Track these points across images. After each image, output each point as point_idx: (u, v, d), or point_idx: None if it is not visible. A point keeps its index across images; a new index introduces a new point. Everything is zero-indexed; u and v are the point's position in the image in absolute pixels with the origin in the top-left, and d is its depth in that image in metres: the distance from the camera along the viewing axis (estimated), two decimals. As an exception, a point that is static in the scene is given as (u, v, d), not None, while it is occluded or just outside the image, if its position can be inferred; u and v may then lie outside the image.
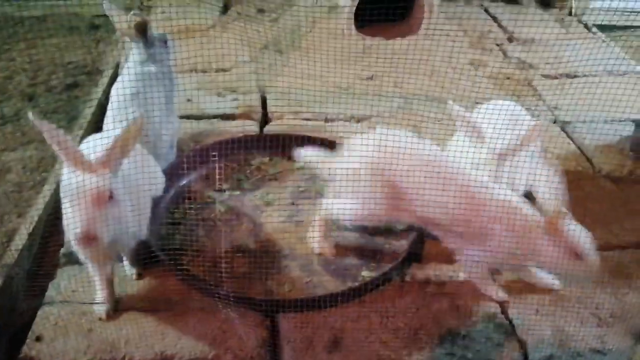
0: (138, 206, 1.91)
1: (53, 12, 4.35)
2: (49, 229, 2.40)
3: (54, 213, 2.44)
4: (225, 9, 4.28)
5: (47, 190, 2.54)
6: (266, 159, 2.69)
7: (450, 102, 2.22)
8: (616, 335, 1.97)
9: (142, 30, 2.41)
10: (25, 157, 2.92)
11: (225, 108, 3.07)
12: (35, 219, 2.37)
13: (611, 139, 3.01)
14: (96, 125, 2.98)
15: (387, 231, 2.33)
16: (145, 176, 1.92)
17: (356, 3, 3.62)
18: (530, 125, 2.14)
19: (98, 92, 3.31)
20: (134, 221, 1.88)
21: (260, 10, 4.25)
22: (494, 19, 4.33)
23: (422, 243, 2.26)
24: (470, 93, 3.22)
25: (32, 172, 2.84)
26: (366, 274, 2.12)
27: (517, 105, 2.44)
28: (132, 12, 2.41)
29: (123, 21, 2.41)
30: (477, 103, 3.02)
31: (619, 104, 3.09)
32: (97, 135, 2.06)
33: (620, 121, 3.09)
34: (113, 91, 2.46)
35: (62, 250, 2.19)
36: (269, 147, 2.68)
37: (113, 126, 2.38)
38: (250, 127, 2.94)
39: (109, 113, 2.43)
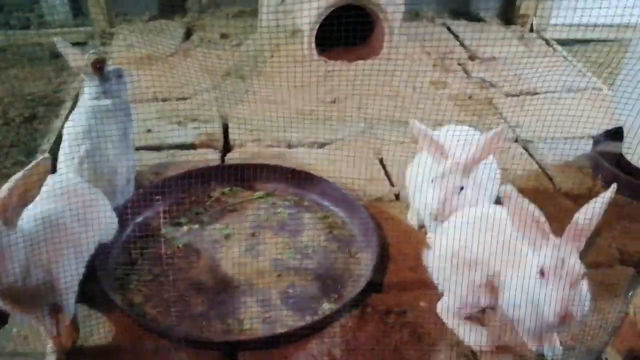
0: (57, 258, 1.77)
1: (12, 43, 4.29)
2: None
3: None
4: (187, 35, 4.26)
5: None
6: (226, 190, 2.66)
7: (413, 120, 2.21)
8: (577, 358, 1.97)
9: (98, 67, 2.37)
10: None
11: (186, 137, 3.04)
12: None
13: (571, 157, 3.04)
14: (54, 159, 2.93)
15: (347, 258, 2.32)
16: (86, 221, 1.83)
17: (317, 27, 3.63)
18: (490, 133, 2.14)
19: (57, 124, 3.25)
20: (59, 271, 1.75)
21: (224, 36, 4.24)
22: (456, 37, 4.37)
23: (384, 271, 2.24)
24: (432, 114, 3.24)
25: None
26: (327, 306, 2.10)
27: (473, 129, 2.45)
28: (90, 52, 2.37)
29: (79, 59, 2.37)
30: (439, 125, 3.05)
31: (578, 120, 3.13)
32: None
33: (580, 138, 3.13)
34: (66, 128, 2.41)
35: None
36: (229, 177, 2.66)
37: (65, 164, 2.34)
38: (212, 157, 2.91)
39: (61, 151, 2.39)
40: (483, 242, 1.85)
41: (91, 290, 2.11)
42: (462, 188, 2.15)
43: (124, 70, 2.55)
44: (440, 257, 1.99)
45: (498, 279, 1.85)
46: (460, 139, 2.13)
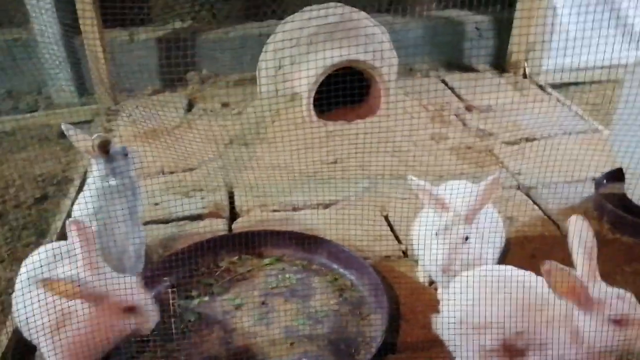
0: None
1: (21, 126, 4.42)
2: (17, 356, 2.34)
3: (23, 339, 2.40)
4: (190, 106, 4.38)
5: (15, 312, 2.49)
6: (235, 258, 2.68)
7: (411, 176, 2.25)
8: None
9: (104, 149, 2.45)
10: (-8, 279, 2.89)
11: (193, 208, 3.09)
12: (2, 348, 2.31)
13: (574, 200, 3.06)
14: (65, 238, 2.97)
15: (359, 320, 2.31)
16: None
17: (315, 90, 3.73)
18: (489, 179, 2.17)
19: (67, 204, 3.31)
20: None
21: (225, 104, 4.36)
22: (452, 89, 4.47)
23: (397, 331, 2.23)
24: (433, 168, 3.29)
25: (1, 294, 2.80)
26: (342, 372, 2.08)
27: (471, 183, 2.49)
28: (95, 135, 2.45)
29: (85, 142, 2.45)
30: (441, 177, 3.09)
31: (579, 163, 3.16)
32: None
33: (582, 181, 3.15)
34: (75, 210, 2.47)
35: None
36: (237, 245, 2.68)
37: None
38: (219, 226, 2.95)
39: (72, 232, 2.43)
40: (497, 304, 1.84)
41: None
42: (467, 238, 2.16)
43: (129, 149, 2.62)
44: (448, 324, 1.98)
45: (523, 339, 1.84)
46: (460, 191, 2.17)
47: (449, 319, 1.96)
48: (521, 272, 1.97)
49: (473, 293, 1.90)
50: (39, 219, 3.38)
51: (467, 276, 2.01)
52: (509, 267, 2.02)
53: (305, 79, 3.63)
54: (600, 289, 1.73)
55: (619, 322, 1.69)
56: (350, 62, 3.66)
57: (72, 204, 3.26)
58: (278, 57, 3.84)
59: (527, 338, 1.82)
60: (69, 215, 3.17)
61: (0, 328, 2.45)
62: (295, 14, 3.95)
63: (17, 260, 3.06)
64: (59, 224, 3.12)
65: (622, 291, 1.73)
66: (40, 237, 3.16)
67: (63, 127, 2.49)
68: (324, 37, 3.70)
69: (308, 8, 3.88)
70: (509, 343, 1.85)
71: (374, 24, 3.94)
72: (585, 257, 1.74)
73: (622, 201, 2.86)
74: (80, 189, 3.38)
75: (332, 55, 3.57)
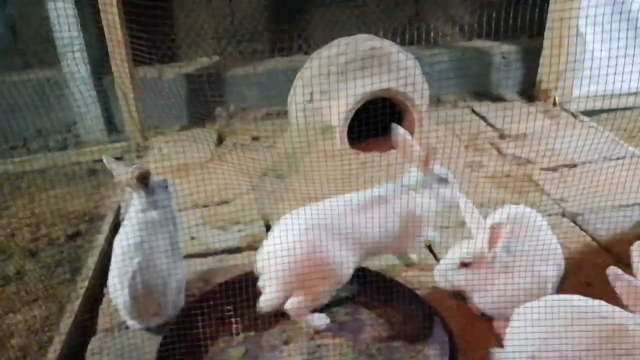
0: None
1: (54, 164, 4.44)
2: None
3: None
4: (220, 140, 4.37)
5: (52, 353, 2.43)
6: (278, 292, 2.60)
7: (463, 200, 2.22)
8: None
9: (143, 181, 2.41)
10: (29, 318, 2.83)
11: (231, 241, 3.03)
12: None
13: (623, 226, 2.96)
14: (101, 274, 2.92)
15: (414, 355, 2.21)
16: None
17: (348, 121, 3.71)
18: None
19: (100, 239, 3.27)
20: None
21: (255, 138, 4.35)
22: (483, 118, 4.43)
23: (453, 363, 2.13)
24: (473, 196, 3.21)
25: (37, 333, 2.74)
26: (399, 409, 1.97)
27: (526, 207, 2.43)
28: (134, 166, 2.43)
29: (125, 173, 2.42)
30: (482, 204, 3.01)
31: (623, 189, 3.08)
32: None
33: (629, 206, 3.07)
34: (116, 242, 2.42)
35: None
36: (279, 278, 2.60)
37: (118, 279, 2.33)
38: (258, 259, 2.87)
39: (113, 266, 2.38)
40: (572, 337, 1.75)
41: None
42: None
43: (169, 180, 2.59)
44: (515, 359, 1.88)
45: None
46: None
47: (518, 355, 1.86)
48: (593, 301, 1.88)
49: (544, 326, 1.80)
50: (73, 255, 3.34)
51: (535, 307, 1.92)
52: (578, 296, 1.93)
53: (338, 109, 3.61)
54: None
55: None
56: (384, 91, 3.64)
57: (106, 240, 3.24)
58: (310, 88, 3.83)
59: None
60: (103, 252, 3.13)
61: (40, 366, 2.39)
62: (325, 46, 3.96)
63: (51, 297, 3.01)
64: (94, 259, 3.07)
65: None
66: (75, 273, 3.11)
67: (104, 159, 2.47)
68: (356, 68, 3.70)
69: (339, 40, 3.90)
70: None
71: (404, 53, 3.93)
72: None
73: (675, 226, 2.77)
74: (114, 226, 3.35)
75: (365, 86, 3.55)
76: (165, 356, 2.15)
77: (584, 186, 3.23)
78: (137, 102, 4.34)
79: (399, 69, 3.79)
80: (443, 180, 2.59)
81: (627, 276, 1.65)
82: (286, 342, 2.30)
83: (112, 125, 4.76)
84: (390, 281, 2.51)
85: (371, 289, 2.53)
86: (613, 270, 1.67)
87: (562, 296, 2.01)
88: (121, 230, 2.48)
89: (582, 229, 2.97)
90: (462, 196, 2.27)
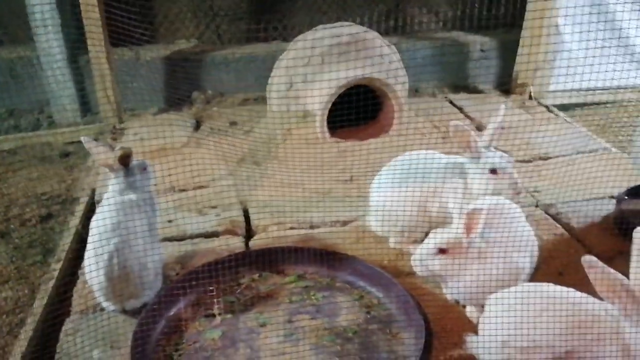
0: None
1: (24, 144, 4.34)
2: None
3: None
4: (197, 125, 4.33)
5: (24, 334, 2.39)
6: (256, 276, 2.60)
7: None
8: None
9: (125, 161, 2.38)
10: (0, 299, 2.78)
11: (208, 226, 3.01)
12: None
13: (595, 218, 3.03)
14: (74, 256, 2.88)
15: (389, 339, 2.23)
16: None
17: (328, 108, 3.71)
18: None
19: (74, 222, 3.22)
20: None
21: (233, 123, 4.32)
22: (460, 109, 4.47)
23: (429, 349, 2.16)
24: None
25: (8, 314, 2.69)
26: (375, 392, 2.00)
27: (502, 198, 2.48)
28: (117, 147, 2.39)
29: (106, 155, 2.38)
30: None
31: (595, 181, 3.15)
32: None
33: (599, 198, 3.14)
34: (93, 223, 2.38)
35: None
36: (257, 263, 2.61)
37: (95, 260, 2.30)
38: (235, 243, 2.87)
39: (89, 246, 2.34)
40: (544, 324, 1.79)
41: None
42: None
43: (147, 163, 2.56)
44: (489, 346, 1.92)
45: (573, 358, 1.78)
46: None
47: (491, 341, 1.90)
48: (564, 289, 1.93)
49: (517, 313, 1.84)
50: (45, 237, 3.29)
51: (508, 295, 1.96)
52: (549, 284, 1.98)
53: (318, 96, 3.61)
54: None
55: None
56: (364, 79, 3.65)
57: (80, 222, 3.19)
58: (289, 74, 3.81)
59: (577, 357, 1.76)
60: (77, 234, 3.09)
61: (10, 350, 2.35)
62: (307, 32, 3.95)
63: (23, 279, 2.96)
64: (67, 242, 3.02)
65: None
66: (47, 255, 3.07)
67: (83, 139, 2.42)
68: (337, 55, 3.69)
69: (320, 27, 3.89)
70: None
71: (385, 43, 3.94)
72: None
73: (645, 218, 2.84)
74: (88, 209, 3.30)
75: (347, 73, 3.55)
76: (142, 339, 2.14)
77: (557, 178, 3.29)
78: (113, 84, 4.27)
79: (380, 57, 3.79)
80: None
81: (600, 264, 1.69)
82: (263, 325, 2.30)
83: (86, 106, 4.68)
84: (367, 266, 2.53)
85: (347, 273, 2.55)
86: (588, 259, 1.71)
87: (534, 284, 2.06)
88: (98, 211, 2.44)
89: (554, 220, 3.03)
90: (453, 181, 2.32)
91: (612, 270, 1.67)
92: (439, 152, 2.85)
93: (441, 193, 2.64)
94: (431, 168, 2.69)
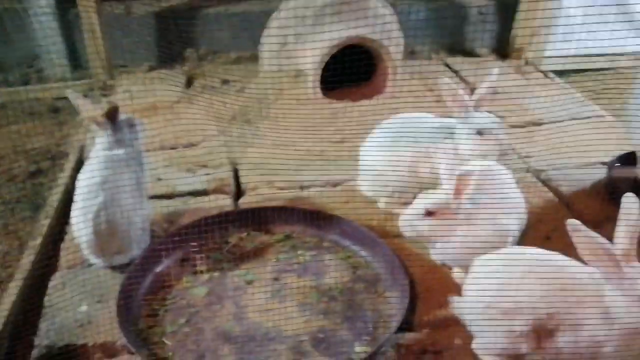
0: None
1: (12, 99, 4.27)
2: (18, 328, 2.25)
3: (22, 312, 2.31)
4: (189, 83, 4.27)
5: (13, 289, 2.40)
6: (244, 234, 2.61)
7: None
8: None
9: (112, 117, 2.35)
10: (-12, 253, 2.78)
11: (197, 184, 3.00)
12: (2, 320, 2.21)
13: (585, 184, 3.03)
14: (63, 212, 2.87)
15: (374, 298, 2.26)
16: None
17: (321, 68, 3.65)
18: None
19: (63, 178, 3.20)
20: None
21: (225, 82, 4.26)
22: (456, 72, 4.42)
23: (413, 309, 2.18)
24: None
25: (-4, 268, 2.70)
26: (360, 349, 2.02)
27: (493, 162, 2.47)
28: (104, 100, 2.35)
29: (92, 110, 2.35)
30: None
31: (587, 148, 3.14)
32: None
33: (591, 164, 3.14)
34: (80, 179, 2.37)
35: (34, 353, 2.04)
36: (246, 221, 2.61)
37: (82, 215, 2.29)
38: (224, 202, 2.86)
39: (76, 202, 2.33)
40: (527, 287, 1.80)
41: (114, 344, 2.04)
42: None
43: (136, 119, 2.52)
44: (473, 308, 1.93)
45: (554, 320, 1.80)
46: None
47: (474, 303, 1.92)
48: (548, 252, 1.94)
49: (501, 276, 1.85)
50: (34, 193, 3.27)
51: (494, 258, 1.96)
52: (534, 248, 1.99)
53: (311, 56, 3.55)
54: (634, 267, 1.70)
55: None
56: (358, 39, 3.59)
57: (69, 178, 3.17)
58: (283, 33, 3.74)
59: (558, 319, 1.78)
60: (66, 190, 3.07)
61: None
62: (301, -10, 3.86)
63: (11, 234, 2.95)
64: (56, 197, 3.01)
65: None
66: (36, 211, 3.05)
67: (69, 94, 2.38)
68: (331, 13, 3.62)
69: (315, -16, 3.80)
70: (539, 325, 1.81)
71: (380, 3, 3.86)
72: (626, 233, 1.70)
73: (634, 184, 2.84)
74: (77, 165, 3.28)
75: (340, 32, 3.49)
76: (128, 294, 2.15)
77: (549, 144, 3.28)
78: (103, 39, 4.18)
79: (375, 18, 3.72)
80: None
81: (584, 228, 1.70)
82: (250, 283, 2.32)
83: (76, 61, 4.59)
84: (355, 227, 2.53)
85: (335, 233, 2.56)
86: (572, 222, 1.71)
87: (519, 248, 2.07)
88: (86, 166, 2.42)
89: (545, 185, 3.03)
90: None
91: (595, 234, 1.68)
92: (431, 114, 2.81)
93: (432, 155, 2.62)
94: (422, 130, 2.66)
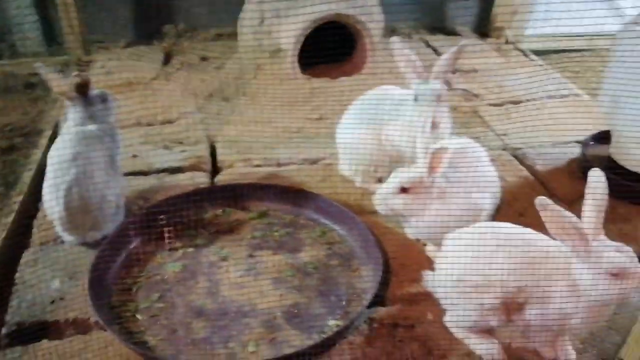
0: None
1: (-15, 74, 4.19)
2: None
3: None
4: (167, 59, 4.21)
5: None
6: (219, 211, 2.60)
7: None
8: (588, 362, 1.95)
9: (83, 91, 2.30)
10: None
11: (173, 161, 2.97)
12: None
13: (560, 162, 3.06)
14: (37, 189, 2.83)
15: (349, 273, 2.27)
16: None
17: (300, 45, 3.62)
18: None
19: (37, 154, 3.15)
20: None
21: (204, 58, 4.21)
22: (435, 51, 4.41)
23: (386, 284, 2.20)
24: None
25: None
26: (333, 323, 2.04)
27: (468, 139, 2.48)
28: (73, 74, 2.31)
29: (61, 84, 2.30)
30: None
31: (563, 126, 3.17)
32: None
33: (566, 143, 3.17)
34: (52, 153, 2.33)
35: (4, 330, 2.02)
36: (221, 198, 2.60)
37: (54, 190, 2.26)
38: (201, 179, 2.84)
39: (48, 176, 2.30)
40: (498, 262, 1.82)
41: (86, 320, 2.03)
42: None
43: (108, 93, 2.48)
44: (445, 282, 1.95)
45: (523, 293, 1.82)
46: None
47: (446, 277, 1.93)
48: (518, 227, 1.95)
49: (472, 251, 1.87)
50: (7, 170, 3.21)
51: (465, 233, 1.98)
52: (506, 223, 2.00)
53: (290, 32, 3.51)
54: (601, 241, 1.72)
55: (617, 275, 1.69)
56: (337, 15, 3.55)
57: (43, 155, 3.12)
58: (261, 9, 3.69)
59: (528, 292, 1.81)
60: (40, 167, 3.02)
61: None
62: (280, -35, 3.80)
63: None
64: (30, 174, 2.96)
65: (622, 245, 1.72)
66: (9, 188, 3.00)
67: (38, 67, 2.33)
68: (310, -11, 3.57)
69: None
70: (509, 298, 1.84)
71: (360, -21, 3.82)
72: (593, 208, 1.72)
73: (608, 163, 2.87)
74: (51, 140, 3.23)
75: (319, 8, 3.45)
76: (100, 270, 2.14)
77: (526, 122, 3.30)
78: (78, 13, 4.10)
79: (355, -6, 3.69)
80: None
81: (553, 205, 1.71)
82: (224, 259, 2.32)
83: (51, 36, 4.49)
84: (330, 203, 2.54)
85: (311, 210, 2.56)
86: (541, 200, 1.73)
87: (491, 223, 2.08)
88: (57, 141, 2.39)
89: (521, 163, 3.06)
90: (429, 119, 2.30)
91: (562, 210, 1.69)
92: (398, 87, 2.76)
93: (394, 128, 2.58)
94: (387, 104, 2.63)
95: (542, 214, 1.73)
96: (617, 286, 1.70)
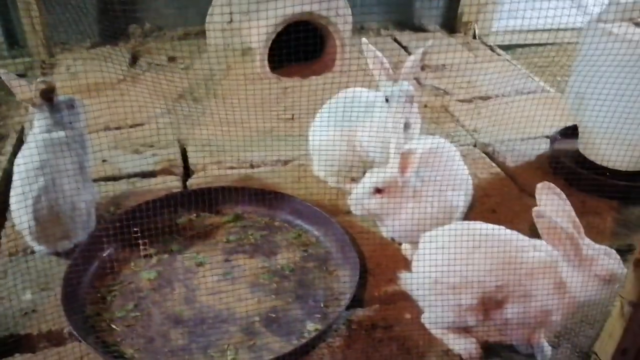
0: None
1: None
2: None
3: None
4: (133, 60, 4.14)
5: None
6: (193, 216, 2.57)
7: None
8: (563, 356, 1.99)
9: (48, 97, 2.25)
10: None
11: (144, 165, 2.93)
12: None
13: (529, 157, 3.12)
14: (3, 197, 2.76)
15: (325, 276, 2.27)
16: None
17: (269, 45, 3.60)
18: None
19: (2, 161, 3.07)
20: None
21: (171, 59, 4.15)
22: (404, 48, 4.43)
23: (363, 285, 2.21)
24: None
25: None
26: (311, 326, 2.04)
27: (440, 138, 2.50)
28: (37, 80, 2.24)
29: (26, 90, 2.24)
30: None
31: (532, 121, 3.23)
32: None
33: (535, 138, 3.22)
34: (18, 161, 2.27)
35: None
36: (195, 203, 2.57)
37: (22, 201, 2.20)
38: (173, 183, 2.81)
39: (13, 190, 2.24)
40: (475, 262, 1.84)
41: (60, 332, 1.99)
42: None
43: (76, 99, 2.43)
44: (422, 283, 1.97)
45: (502, 291, 1.85)
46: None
47: (423, 278, 1.95)
48: (494, 226, 1.98)
49: (449, 252, 1.89)
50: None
51: (441, 233, 2.00)
52: (480, 223, 2.03)
53: (258, 31, 3.48)
54: (589, 246, 1.76)
55: (608, 280, 1.74)
56: (305, 15, 3.54)
57: (8, 161, 3.03)
58: (229, 9, 3.65)
59: (506, 290, 1.84)
60: (4, 172, 2.94)
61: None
62: (247, -37, 3.76)
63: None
64: (-6, 183, 2.88)
65: (608, 248, 1.78)
66: (-27, 196, 2.92)
67: (3, 75, 2.27)
68: (279, -12, 3.54)
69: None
70: (487, 297, 1.86)
71: (328, -23, 3.81)
72: (569, 219, 1.77)
73: (576, 157, 2.93)
74: (16, 146, 3.14)
75: (286, 9, 3.43)
76: (73, 280, 2.10)
77: (495, 118, 3.34)
78: (41, 13, 3.99)
79: (323, -8, 3.68)
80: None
81: (548, 215, 1.74)
82: (200, 264, 2.29)
83: (13, 38, 4.37)
84: (305, 205, 2.53)
85: (285, 212, 2.55)
86: (537, 210, 1.76)
87: (466, 223, 2.11)
88: (23, 150, 2.32)
89: (491, 159, 3.10)
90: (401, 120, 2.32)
91: (557, 220, 1.73)
92: (367, 89, 2.77)
93: (365, 130, 2.59)
94: (357, 106, 2.64)
95: (537, 222, 1.75)
96: (605, 289, 1.75)
